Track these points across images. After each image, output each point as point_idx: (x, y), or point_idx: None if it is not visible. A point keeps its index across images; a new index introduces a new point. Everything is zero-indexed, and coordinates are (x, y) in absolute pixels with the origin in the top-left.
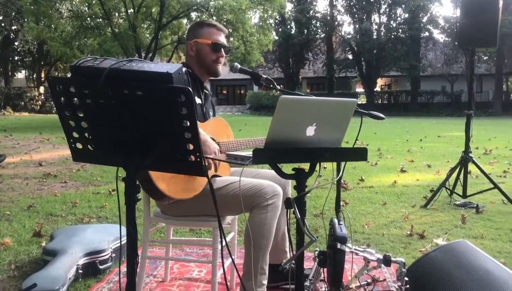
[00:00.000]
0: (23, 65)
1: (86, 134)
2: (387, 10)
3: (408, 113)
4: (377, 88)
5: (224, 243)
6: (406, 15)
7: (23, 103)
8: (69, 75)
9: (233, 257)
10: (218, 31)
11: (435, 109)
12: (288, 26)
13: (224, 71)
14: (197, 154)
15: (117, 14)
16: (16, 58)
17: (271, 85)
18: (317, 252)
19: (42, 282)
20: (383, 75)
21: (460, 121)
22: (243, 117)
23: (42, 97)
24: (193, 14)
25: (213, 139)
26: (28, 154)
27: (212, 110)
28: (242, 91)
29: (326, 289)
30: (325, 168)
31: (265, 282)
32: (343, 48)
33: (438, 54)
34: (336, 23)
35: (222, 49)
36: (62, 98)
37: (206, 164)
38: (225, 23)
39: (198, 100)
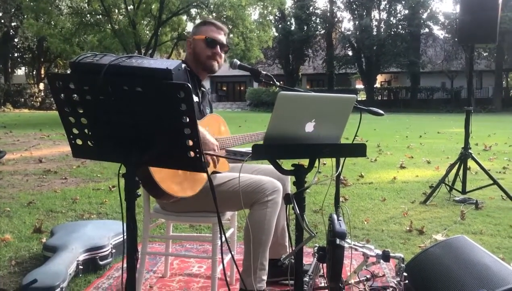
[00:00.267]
0: (23, 62)
1: (86, 131)
2: (387, 6)
3: (408, 109)
4: (377, 85)
5: (223, 239)
6: (406, 12)
7: (23, 100)
8: (68, 71)
9: (232, 252)
10: (217, 29)
11: (435, 105)
12: (288, 23)
13: (224, 67)
14: (197, 150)
15: (116, 10)
16: (15, 55)
17: (271, 82)
18: (316, 248)
19: (42, 277)
20: (383, 71)
21: (460, 117)
22: (243, 113)
23: (42, 94)
24: (193, 11)
25: None
26: (28, 151)
27: (209, 107)
28: (242, 88)
29: (325, 285)
30: (324, 164)
31: (265, 277)
32: (343, 44)
33: (438, 50)
34: (336, 19)
35: (218, 46)
36: (61, 94)
37: (206, 160)
38: (225, 20)
39: (195, 98)
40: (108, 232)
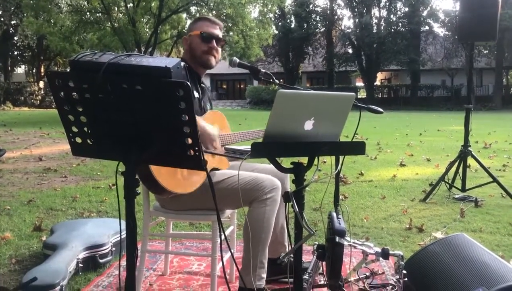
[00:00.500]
0: (23, 60)
1: (85, 129)
2: (387, 4)
3: (408, 107)
4: (377, 82)
5: (223, 237)
6: (406, 9)
7: (22, 98)
8: (68, 70)
9: (232, 250)
10: (211, 24)
11: (435, 103)
12: (288, 20)
13: (223, 65)
14: (196, 148)
15: (116, 8)
16: (15, 53)
17: (270, 80)
18: (315, 246)
19: (42, 275)
20: (383, 69)
21: (460, 115)
22: (243, 111)
23: (42, 92)
24: (193, 9)
25: None
26: (28, 149)
27: (209, 104)
28: (242, 86)
29: (325, 283)
30: (324, 162)
31: (264, 275)
32: (343, 42)
33: (438, 48)
34: (336, 17)
35: (214, 40)
36: (61, 92)
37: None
38: (224, 18)
39: (195, 94)
40: (108, 230)
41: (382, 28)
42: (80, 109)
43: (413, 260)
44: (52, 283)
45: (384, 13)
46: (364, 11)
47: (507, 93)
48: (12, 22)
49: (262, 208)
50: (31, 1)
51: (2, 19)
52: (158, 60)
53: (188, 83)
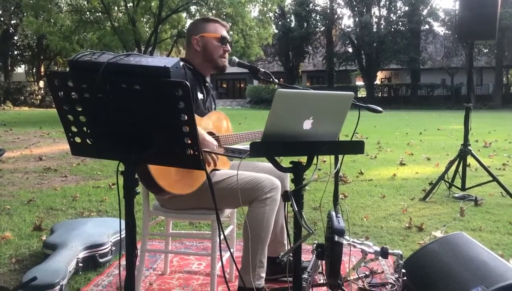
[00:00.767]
0: (23, 59)
1: (85, 129)
2: (387, 3)
3: (408, 106)
4: (377, 82)
5: (222, 236)
6: (406, 8)
7: (23, 97)
8: (67, 69)
9: (232, 250)
10: (223, 27)
11: (435, 102)
12: (288, 20)
13: None
14: (195, 148)
15: (116, 8)
16: (15, 52)
17: (270, 79)
18: (315, 245)
19: (42, 275)
20: (383, 68)
21: (460, 114)
22: (243, 111)
23: (42, 91)
24: (193, 8)
25: (212, 133)
26: (28, 148)
27: (214, 104)
28: (242, 85)
29: (324, 282)
30: (324, 161)
31: (264, 275)
32: (343, 41)
33: (438, 47)
34: (336, 16)
35: (228, 44)
36: (60, 92)
37: (207, 158)
38: (224, 17)
39: (200, 95)
40: (108, 230)
41: (382, 27)
42: (79, 109)
43: (413, 259)
44: (52, 283)
45: (384, 12)
46: (364, 10)
47: (507, 92)
48: (12, 21)
49: (262, 208)
50: (31, 1)
51: (2, 19)
52: (157, 60)
53: (187, 83)
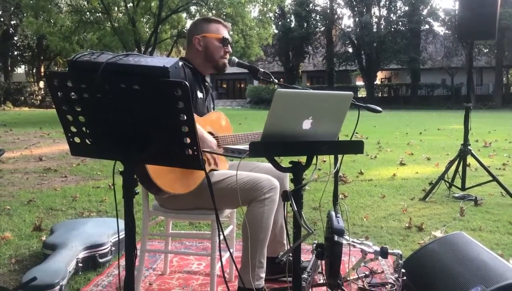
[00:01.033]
0: (23, 60)
1: (84, 129)
2: (387, 3)
3: (408, 106)
4: (377, 82)
5: (222, 237)
6: (406, 8)
7: (23, 98)
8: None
9: (231, 250)
10: (225, 28)
11: (435, 102)
12: (288, 20)
13: None
14: (194, 148)
15: (116, 8)
16: (15, 53)
17: (269, 79)
18: (315, 245)
19: (42, 275)
20: (383, 68)
21: (460, 114)
22: (243, 111)
23: (42, 92)
24: (193, 8)
25: (211, 133)
26: (28, 149)
27: (212, 103)
28: (242, 85)
29: (324, 281)
30: (324, 161)
31: (263, 275)
32: (343, 41)
33: (438, 47)
34: (336, 16)
35: (229, 45)
36: (59, 92)
37: (205, 158)
38: (224, 17)
39: (199, 95)
40: (107, 230)
41: (382, 27)
42: (79, 109)
43: (412, 259)
44: (52, 283)
45: (384, 12)
46: (364, 10)
47: (507, 92)
48: (12, 22)
49: (261, 208)
50: (31, 1)
51: (2, 19)
52: (156, 60)
53: (186, 83)
